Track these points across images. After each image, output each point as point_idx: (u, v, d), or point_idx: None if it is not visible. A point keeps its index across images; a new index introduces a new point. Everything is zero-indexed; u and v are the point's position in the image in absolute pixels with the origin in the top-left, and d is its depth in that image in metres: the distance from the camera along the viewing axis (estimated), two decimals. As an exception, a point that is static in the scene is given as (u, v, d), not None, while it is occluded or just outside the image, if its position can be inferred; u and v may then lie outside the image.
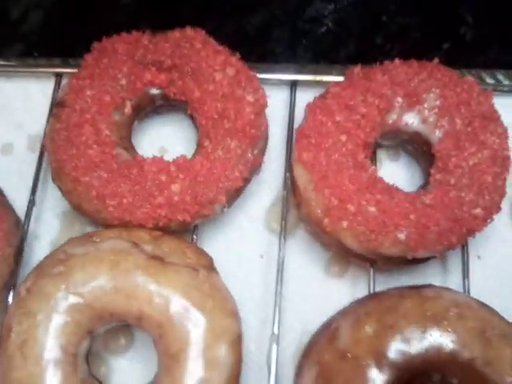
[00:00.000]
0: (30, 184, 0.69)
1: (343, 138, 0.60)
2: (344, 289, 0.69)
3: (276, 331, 0.61)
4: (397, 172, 0.71)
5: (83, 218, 0.70)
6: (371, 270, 0.63)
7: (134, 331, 0.67)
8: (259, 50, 0.79)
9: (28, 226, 0.66)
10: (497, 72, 0.74)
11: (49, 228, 0.71)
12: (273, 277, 0.66)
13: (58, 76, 0.73)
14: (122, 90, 0.64)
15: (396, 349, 0.53)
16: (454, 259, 0.68)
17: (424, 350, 0.52)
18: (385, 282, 0.66)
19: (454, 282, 0.67)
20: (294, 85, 0.71)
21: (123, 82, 0.64)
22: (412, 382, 0.53)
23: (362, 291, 0.65)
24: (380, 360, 0.52)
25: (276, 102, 0.74)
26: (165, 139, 0.73)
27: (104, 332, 0.62)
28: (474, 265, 0.67)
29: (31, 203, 0.67)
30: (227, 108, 0.62)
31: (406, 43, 0.70)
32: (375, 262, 0.61)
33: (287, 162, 0.67)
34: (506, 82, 0.72)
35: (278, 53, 0.80)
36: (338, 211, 0.58)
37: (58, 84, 0.74)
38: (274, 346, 0.60)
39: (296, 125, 0.68)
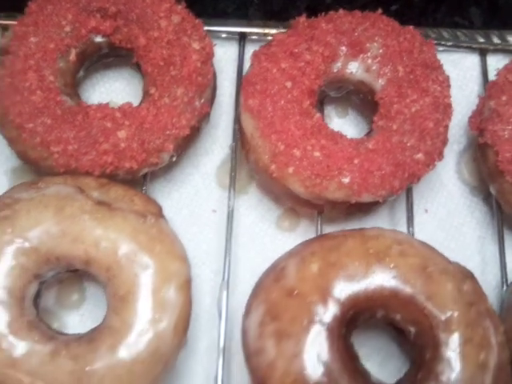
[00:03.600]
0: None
1: (288, 84, 0.61)
2: (295, 243, 0.69)
3: (226, 278, 0.61)
4: (344, 129, 0.72)
5: (32, 175, 0.69)
6: (318, 219, 0.64)
7: (86, 286, 0.67)
8: (210, 8, 0.79)
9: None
10: (442, 30, 0.75)
11: (-3, 185, 0.70)
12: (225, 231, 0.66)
13: (4, 29, 0.72)
14: (67, 36, 0.63)
15: (340, 286, 0.54)
16: (401, 212, 0.69)
17: (367, 286, 0.54)
18: (332, 233, 0.67)
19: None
20: (242, 38, 0.72)
21: (68, 28, 0.63)
22: (357, 318, 0.55)
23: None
24: (325, 297, 0.53)
25: (226, 57, 0.74)
26: (111, 93, 0.73)
27: (56, 288, 0.63)
28: (421, 218, 0.69)
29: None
30: (173, 55, 0.62)
31: (355, 5, 0.71)
32: (323, 209, 0.62)
33: (235, 115, 0.68)
34: (451, 40, 0.74)
35: (229, 12, 0.79)
36: (284, 157, 0.59)
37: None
38: (224, 293, 0.61)
39: (245, 79, 0.68)
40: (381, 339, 0.65)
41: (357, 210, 0.62)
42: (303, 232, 0.70)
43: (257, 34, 0.72)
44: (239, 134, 0.65)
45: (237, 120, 0.67)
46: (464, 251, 0.69)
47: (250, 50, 0.71)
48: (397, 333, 0.58)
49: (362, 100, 0.66)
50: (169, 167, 0.70)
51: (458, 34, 0.75)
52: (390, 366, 0.63)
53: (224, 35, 0.73)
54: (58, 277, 0.63)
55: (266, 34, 0.72)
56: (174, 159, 0.64)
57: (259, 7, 0.80)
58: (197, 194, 0.71)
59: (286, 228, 0.71)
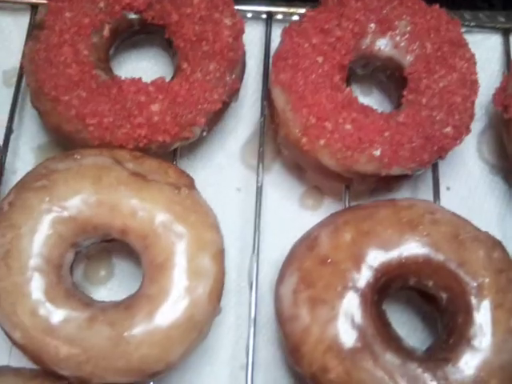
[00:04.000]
0: (6, 118, 0.68)
1: (319, 59, 0.62)
2: (318, 220, 0.70)
3: (256, 251, 0.62)
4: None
5: (58, 151, 0.71)
6: (346, 193, 0.65)
7: (115, 262, 0.68)
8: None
9: (6, 157, 0.66)
10: (464, 12, 0.77)
11: (24, 162, 0.71)
12: (250, 209, 0.67)
13: (34, 8, 0.73)
14: (101, 12, 0.64)
15: (373, 253, 0.55)
16: (424, 189, 0.70)
17: (400, 253, 0.55)
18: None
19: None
20: (269, 17, 0.73)
21: (102, 4, 0.64)
22: (389, 285, 0.56)
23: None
24: (359, 264, 0.54)
25: (250, 36, 0.75)
26: (138, 71, 0.74)
27: (84, 264, 0.64)
28: (443, 196, 0.70)
29: (8, 130, 0.67)
30: (205, 31, 0.63)
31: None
32: (351, 183, 0.63)
33: (264, 92, 0.69)
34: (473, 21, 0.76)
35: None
36: (315, 129, 0.60)
37: (33, 16, 0.73)
38: (255, 265, 0.62)
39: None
40: (404, 313, 0.66)
41: (384, 183, 0.63)
42: (326, 210, 0.71)
43: (283, 13, 0.73)
44: (268, 109, 0.66)
45: (265, 96, 0.68)
46: (485, 228, 0.70)
47: (274, 29, 0.73)
48: (425, 301, 0.59)
49: (389, 76, 0.67)
50: (195, 144, 0.71)
51: (480, 15, 0.76)
52: (413, 339, 0.64)
53: (250, 15, 0.74)
54: (87, 251, 0.64)
55: (292, 14, 0.72)
56: (205, 134, 0.65)
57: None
58: (221, 171, 0.72)
59: (310, 206, 0.72)
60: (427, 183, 0.69)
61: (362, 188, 0.64)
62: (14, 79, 0.74)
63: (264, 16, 0.75)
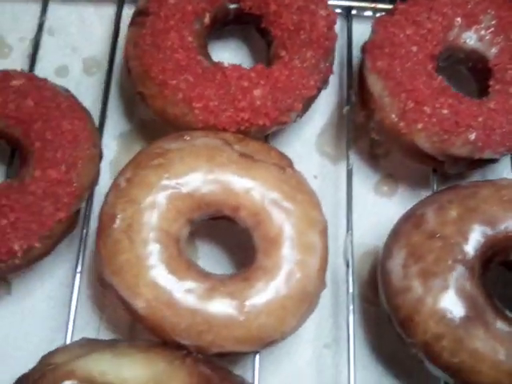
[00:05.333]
0: (87, 105, 0.69)
1: (414, 48, 0.65)
2: (394, 207, 0.74)
3: (350, 230, 0.65)
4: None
5: (142, 140, 0.74)
6: (434, 177, 0.68)
7: (198, 246, 0.71)
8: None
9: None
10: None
11: (108, 149, 0.73)
12: (327, 195, 0.72)
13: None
14: (202, 0, 0.67)
15: (480, 228, 0.58)
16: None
17: (505, 228, 0.58)
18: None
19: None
20: (348, 12, 0.76)
21: (203, -8, 0.67)
22: (492, 259, 0.59)
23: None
24: (467, 239, 0.57)
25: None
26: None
27: None
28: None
29: (102, 116, 0.69)
30: (302, 20, 0.66)
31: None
32: (442, 166, 0.66)
33: (349, 81, 0.72)
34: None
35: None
36: (413, 114, 0.63)
37: (120, 5, 0.75)
38: (350, 244, 0.65)
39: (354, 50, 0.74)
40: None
41: (472, 167, 0.67)
42: (401, 196, 0.75)
43: (362, 8, 0.76)
44: (359, 96, 0.69)
45: (350, 85, 0.71)
46: None
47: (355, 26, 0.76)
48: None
49: (470, 68, 0.70)
50: (273, 133, 0.74)
51: None
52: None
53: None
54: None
55: (372, 9, 0.76)
56: (299, 119, 0.67)
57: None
58: (299, 159, 0.74)
59: (385, 193, 0.75)
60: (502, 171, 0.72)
61: (452, 171, 0.67)
62: (95, 68, 0.77)
63: (338, 10, 0.77)
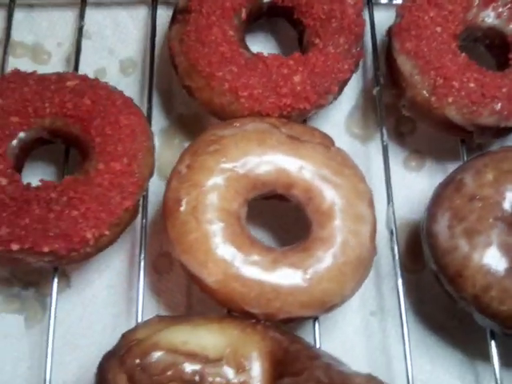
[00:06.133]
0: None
1: (438, 29, 0.71)
2: (422, 182, 0.79)
3: (391, 202, 0.70)
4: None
5: (181, 135, 0.78)
6: (463, 147, 0.74)
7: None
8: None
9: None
10: None
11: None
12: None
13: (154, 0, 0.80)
14: (238, -4, 0.72)
15: (516, 187, 0.64)
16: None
17: (537, 187, 0.64)
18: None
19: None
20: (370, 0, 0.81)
21: (239, -12, 0.72)
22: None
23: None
24: (504, 198, 0.63)
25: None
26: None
27: None
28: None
29: (149, 112, 0.74)
30: (333, 9, 0.72)
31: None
32: (470, 136, 0.71)
33: (375, 64, 0.77)
34: None
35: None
36: (443, 89, 0.69)
37: (154, 7, 0.80)
38: (392, 215, 0.70)
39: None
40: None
41: (501, 134, 0.72)
42: (429, 170, 0.80)
43: None
44: (389, 77, 0.74)
45: (379, 67, 0.76)
46: None
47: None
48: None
49: (488, 45, 0.76)
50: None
51: None
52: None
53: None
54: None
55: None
56: (334, 101, 0.73)
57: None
58: (330, 140, 0.80)
59: (413, 168, 0.80)
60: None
61: (480, 140, 0.73)
62: (131, 69, 0.81)
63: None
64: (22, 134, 0.67)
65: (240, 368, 0.56)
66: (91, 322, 0.72)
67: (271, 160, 0.64)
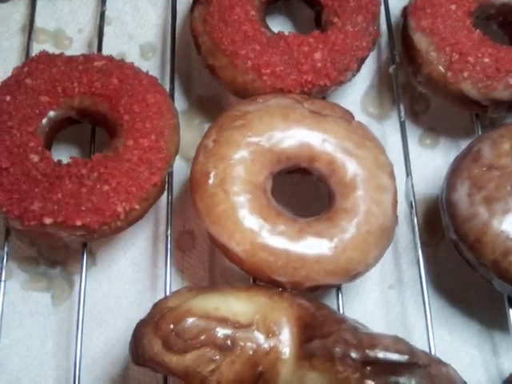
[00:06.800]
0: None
1: (453, 7, 0.73)
2: (437, 158, 0.81)
3: (409, 175, 0.72)
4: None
5: (200, 116, 0.80)
6: (478, 122, 0.76)
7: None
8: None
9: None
10: None
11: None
12: None
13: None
14: (257, -22, 0.74)
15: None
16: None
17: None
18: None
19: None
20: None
21: (259, -30, 0.74)
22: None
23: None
24: (519, 167, 0.65)
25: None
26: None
27: None
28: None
29: (172, 91, 0.76)
30: (351, -11, 0.74)
31: None
32: (486, 110, 0.74)
33: (391, 43, 0.79)
34: None
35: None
36: (459, 64, 0.71)
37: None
38: (411, 189, 0.72)
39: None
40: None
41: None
42: (444, 147, 0.82)
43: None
44: (405, 55, 0.77)
45: (394, 46, 0.78)
46: None
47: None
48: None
49: (501, 22, 0.78)
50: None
51: None
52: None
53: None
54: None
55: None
56: (353, 78, 0.75)
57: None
58: (346, 120, 0.82)
59: (428, 145, 0.82)
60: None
61: (494, 114, 0.75)
62: (150, 53, 0.83)
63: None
64: (51, 113, 0.68)
65: (270, 333, 0.58)
66: (117, 298, 0.74)
67: (295, 134, 0.66)
